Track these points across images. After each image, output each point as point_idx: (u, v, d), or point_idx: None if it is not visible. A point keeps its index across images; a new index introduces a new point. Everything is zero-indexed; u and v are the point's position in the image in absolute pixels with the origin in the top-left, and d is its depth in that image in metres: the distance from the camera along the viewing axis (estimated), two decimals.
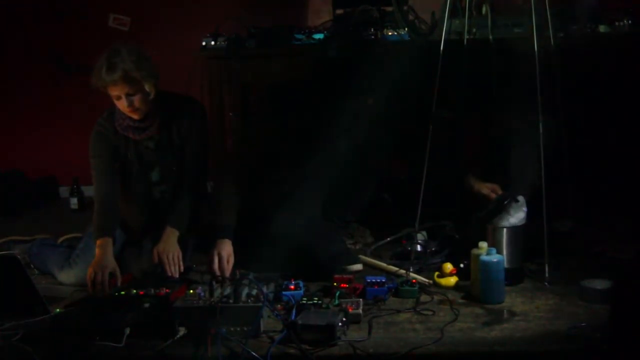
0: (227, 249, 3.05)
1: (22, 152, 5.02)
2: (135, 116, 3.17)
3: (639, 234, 3.26)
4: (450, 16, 3.44)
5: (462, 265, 2.99)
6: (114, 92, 3.09)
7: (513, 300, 2.82)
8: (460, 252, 3.08)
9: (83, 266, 3.12)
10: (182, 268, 3.07)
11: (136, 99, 3.10)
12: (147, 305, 2.66)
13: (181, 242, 3.18)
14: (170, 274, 3.02)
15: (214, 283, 2.68)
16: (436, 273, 3.01)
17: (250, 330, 2.48)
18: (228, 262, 3.03)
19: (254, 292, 2.64)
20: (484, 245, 2.87)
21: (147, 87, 3.10)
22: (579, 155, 3.38)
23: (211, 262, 3.01)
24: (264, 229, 3.16)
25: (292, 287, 2.82)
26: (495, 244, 2.90)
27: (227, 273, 2.97)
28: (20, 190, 4.80)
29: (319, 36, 3.99)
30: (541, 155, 2.95)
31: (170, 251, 3.06)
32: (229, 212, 3.14)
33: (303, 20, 4.70)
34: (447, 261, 3.02)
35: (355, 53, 3.68)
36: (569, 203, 3.33)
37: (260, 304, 2.54)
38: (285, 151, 3.31)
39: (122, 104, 3.12)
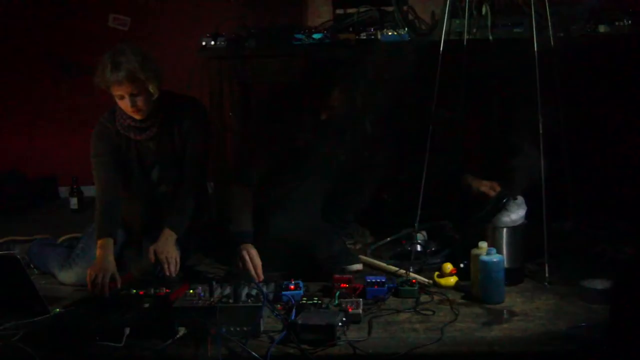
0: (252, 250, 3.03)
1: (22, 152, 5.02)
2: (137, 116, 3.16)
3: (639, 234, 3.26)
4: (450, 16, 3.44)
5: (462, 265, 2.99)
6: (118, 91, 3.08)
7: (513, 300, 2.82)
8: (460, 252, 3.08)
9: (83, 266, 3.12)
10: (177, 270, 3.07)
11: (139, 100, 3.10)
12: (147, 305, 2.67)
13: (182, 242, 3.19)
14: (168, 274, 3.02)
15: (214, 283, 2.68)
16: (436, 273, 3.01)
17: (250, 330, 2.48)
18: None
19: (254, 292, 2.64)
20: (484, 245, 2.87)
21: (150, 88, 3.10)
22: (579, 155, 3.38)
23: (245, 262, 2.99)
24: (264, 229, 3.15)
25: (292, 287, 2.82)
26: (495, 244, 2.90)
27: (260, 271, 2.98)
28: (20, 190, 4.80)
29: (318, 36, 3.99)
30: (541, 155, 2.95)
31: (167, 252, 3.05)
32: (246, 217, 3.13)
33: (303, 20, 4.70)
34: (447, 261, 3.02)
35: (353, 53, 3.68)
36: (569, 203, 3.33)
37: (260, 304, 2.55)
38: (285, 151, 3.30)
39: (125, 104, 3.11)
